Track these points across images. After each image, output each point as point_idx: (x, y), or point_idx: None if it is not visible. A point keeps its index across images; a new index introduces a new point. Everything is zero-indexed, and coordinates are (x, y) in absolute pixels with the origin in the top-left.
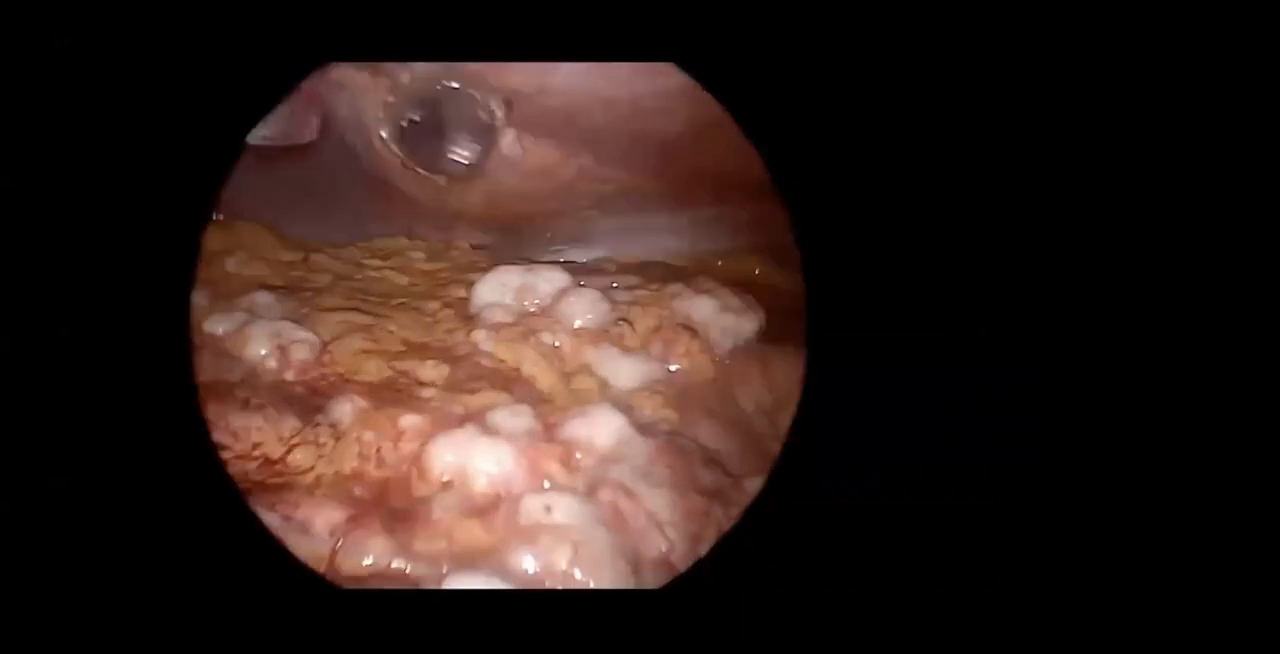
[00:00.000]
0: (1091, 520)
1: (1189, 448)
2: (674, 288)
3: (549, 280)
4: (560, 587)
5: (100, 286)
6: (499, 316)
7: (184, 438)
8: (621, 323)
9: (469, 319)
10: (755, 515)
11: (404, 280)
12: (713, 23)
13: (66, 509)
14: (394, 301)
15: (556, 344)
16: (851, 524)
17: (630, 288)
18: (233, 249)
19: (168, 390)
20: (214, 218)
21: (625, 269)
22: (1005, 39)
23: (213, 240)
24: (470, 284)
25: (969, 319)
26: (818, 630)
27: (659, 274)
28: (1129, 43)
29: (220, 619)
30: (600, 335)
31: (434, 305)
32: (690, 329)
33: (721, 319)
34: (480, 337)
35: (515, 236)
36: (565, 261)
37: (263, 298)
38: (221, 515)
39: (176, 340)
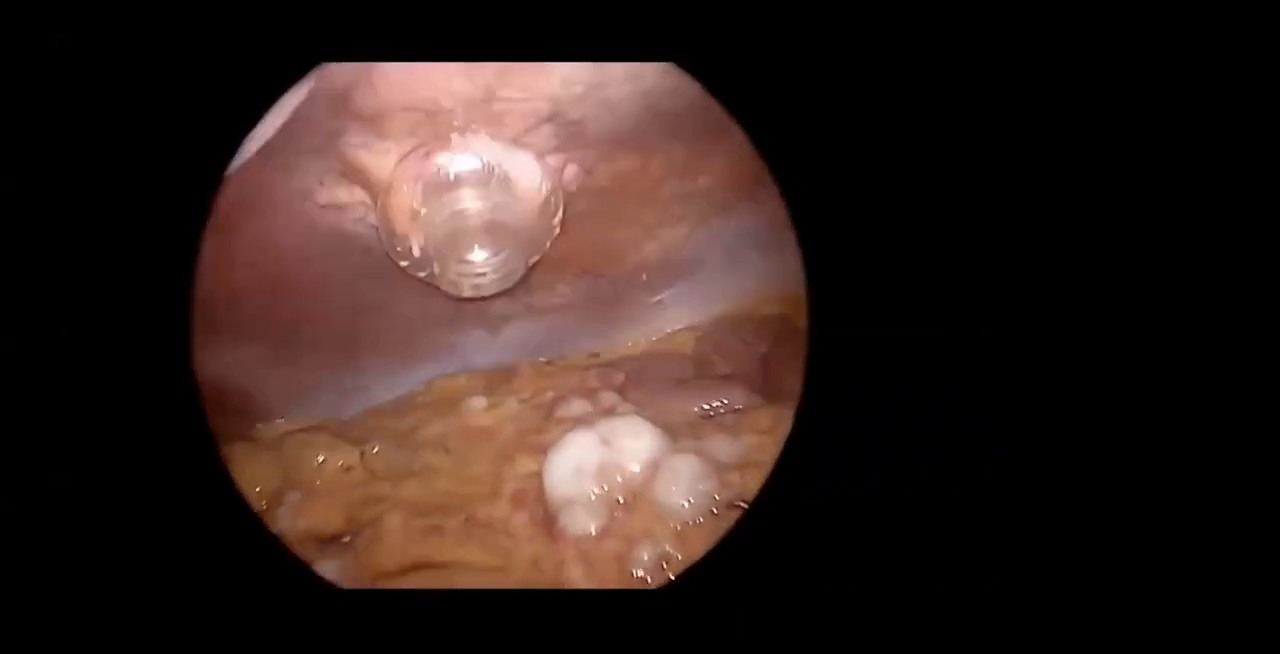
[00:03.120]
0: (1091, 520)
1: (1189, 448)
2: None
3: (633, 453)
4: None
5: (100, 286)
6: (583, 523)
7: (184, 438)
8: (739, 505)
9: (549, 527)
10: (755, 515)
11: (465, 466)
12: (713, 23)
13: (66, 509)
14: (458, 518)
15: (665, 564)
16: (851, 524)
17: (736, 427)
18: (284, 488)
19: (168, 390)
20: (250, 436)
21: (721, 343)
22: (1005, 39)
23: (257, 475)
24: (542, 448)
25: (969, 319)
26: (818, 630)
27: (759, 335)
28: (1129, 43)
29: (221, 619)
30: (713, 533)
31: (503, 509)
32: None
33: None
34: (576, 577)
35: (604, 287)
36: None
37: (326, 569)
38: (222, 515)
39: (176, 340)
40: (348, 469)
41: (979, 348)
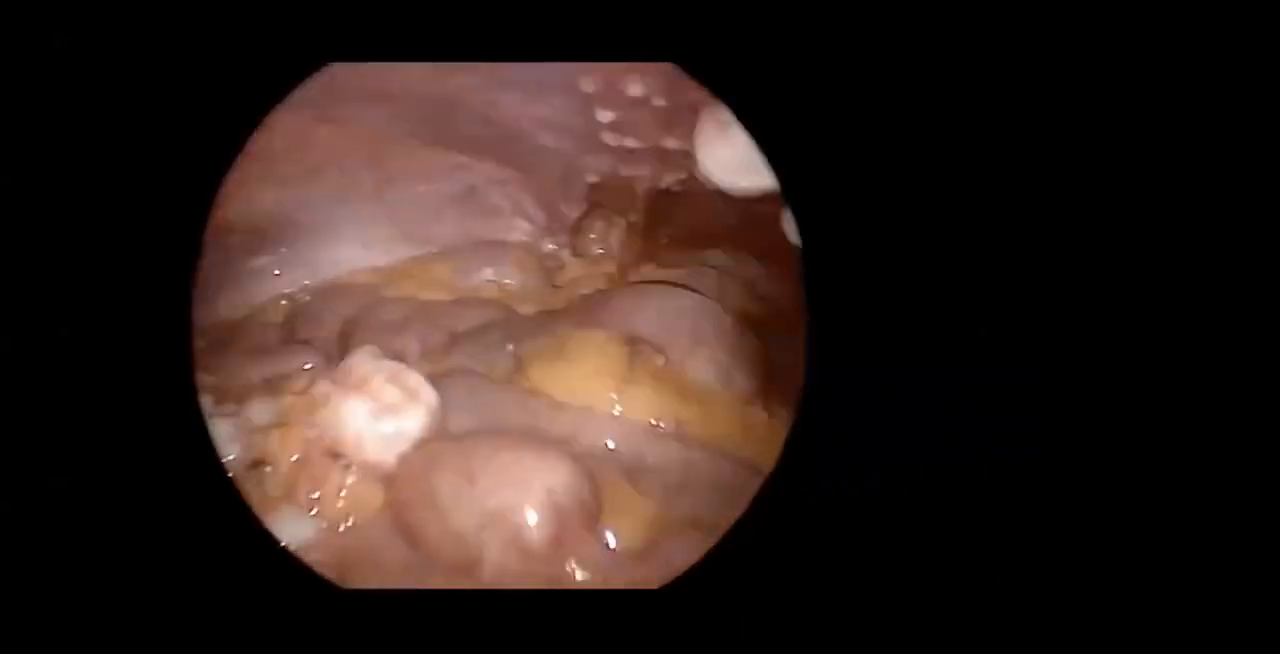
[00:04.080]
0: (1091, 520)
1: (1189, 448)
2: (322, 389)
3: None
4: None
5: (100, 287)
6: None
7: (185, 438)
8: (260, 467)
9: None
10: (755, 515)
11: None
12: (713, 23)
13: (66, 509)
14: None
15: None
16: (851, 524)
17: (276, 389)
18: None
19: (168, 390)
20: None
21: (309, 310)
22: (1005, 39)
23: None
24: None
25: (969, 319)
26: (818, 630)
27: (345, 304)
28: (1129, 43)
29: (222, 620)
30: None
31: None
32: (337, 455)
33: (379, 426)
34: None
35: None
36: None
37: None
38: (222, 515)
39: (176, 340)
40: None
41: (979, 348)
